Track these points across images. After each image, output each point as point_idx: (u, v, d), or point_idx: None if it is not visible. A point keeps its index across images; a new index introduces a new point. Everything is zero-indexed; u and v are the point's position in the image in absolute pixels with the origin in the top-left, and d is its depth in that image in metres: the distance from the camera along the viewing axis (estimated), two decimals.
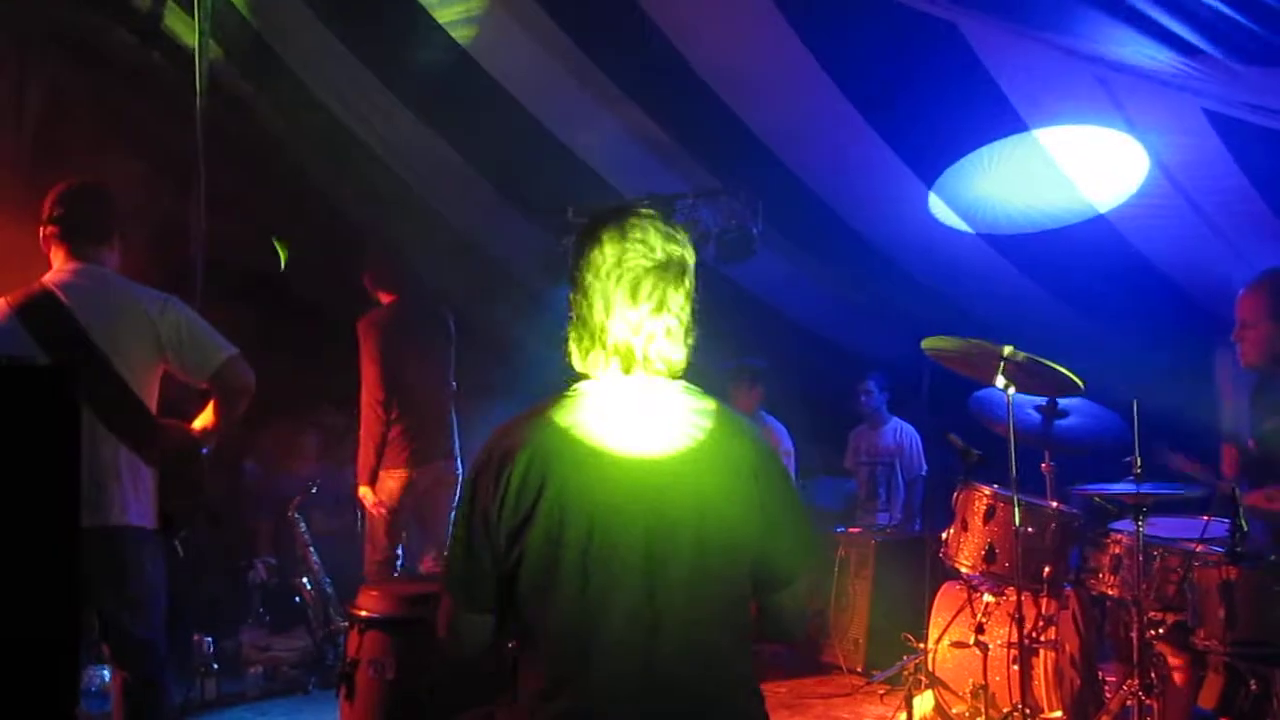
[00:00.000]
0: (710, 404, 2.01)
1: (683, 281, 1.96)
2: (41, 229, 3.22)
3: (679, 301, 1.95)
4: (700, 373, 2.03)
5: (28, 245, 3.36)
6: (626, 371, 1.95)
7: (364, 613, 2.81)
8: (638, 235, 1.93)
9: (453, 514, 4.68)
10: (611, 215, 1.98)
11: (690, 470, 1.93)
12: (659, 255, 1.93)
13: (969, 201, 5.31)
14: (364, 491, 4.70)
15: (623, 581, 1.86)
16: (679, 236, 1.98)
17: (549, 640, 1.88)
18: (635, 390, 1.97)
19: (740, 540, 1.95)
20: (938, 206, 5.39)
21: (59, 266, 3.19)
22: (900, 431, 6.29)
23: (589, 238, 1.96)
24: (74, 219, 3.19)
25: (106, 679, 3.91)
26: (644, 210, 1.98)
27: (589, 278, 1.95)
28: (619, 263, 1.93)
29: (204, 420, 3.29)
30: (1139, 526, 3.55)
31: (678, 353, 1.98)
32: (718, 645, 1.93)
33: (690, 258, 1.98)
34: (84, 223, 3.20)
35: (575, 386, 1.99)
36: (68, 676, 1.86)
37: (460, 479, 4.77)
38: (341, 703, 2.81)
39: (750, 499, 1.96)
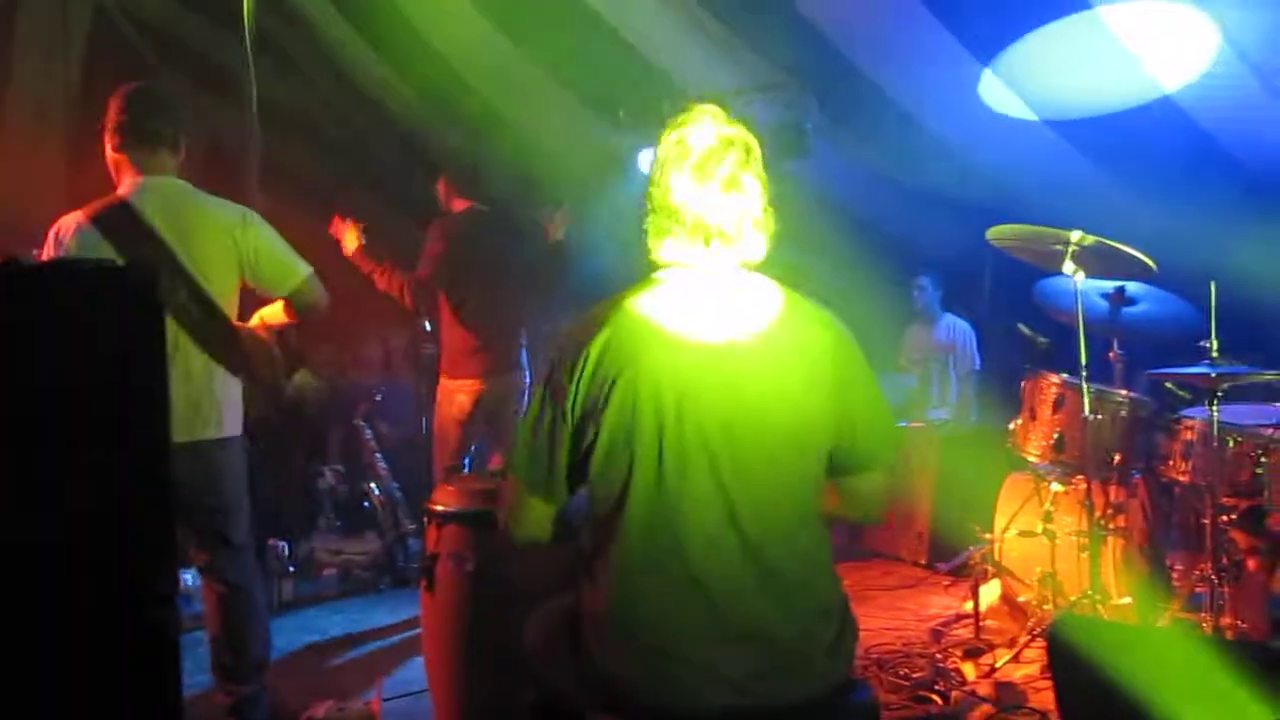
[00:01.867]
0: (787, 292, 2.02)
1: (748, 161, 1.97)
2: (107, 139, 3.18)
3: (749, 180, 1.96)
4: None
5: (81, 169, 3.37)
6: (705, 250, 1.96)
7: (441, 507, 2.86)
8: (697, 120, 1.97)
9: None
10: (676, 113, 2.01)
11: (767, 355, 1.94)
12: (722, 133, 1.96)
13: (1029, 84, 5.14)
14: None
15: (698, 465, 1.88)
16: (738, 125, 2.00)
17: (625, 526, 1.90)
18: (713, 279, 1.98)
19: (817, 425, 1.96)
20: (996, 90, 5.23)
21: (130, 179, 3.14)
22: (954, 328, 6.26)
23: (662, 134, 2.00)
24: (140, 127, 3.14)
25: (189, 583, 4.02)
26: (702, 105, 2.01)
27: (659, 164, 2.00)
28: (682, 142, 1.96)
29: (275, 316, 3.32)
30: (1213, 411, 3.50)
31: (754, 236, 1.98)
32: (795, 528, 1.95)
33: (753, 143, 1.99)
34: (151, 131, 3.14)
35: (654, 276, 2.01)
36: (165, 586, 1.91)
37: (529, 388, 4.76)
38: (423, 595, 2.88)
39: (828, 384, 1.96)
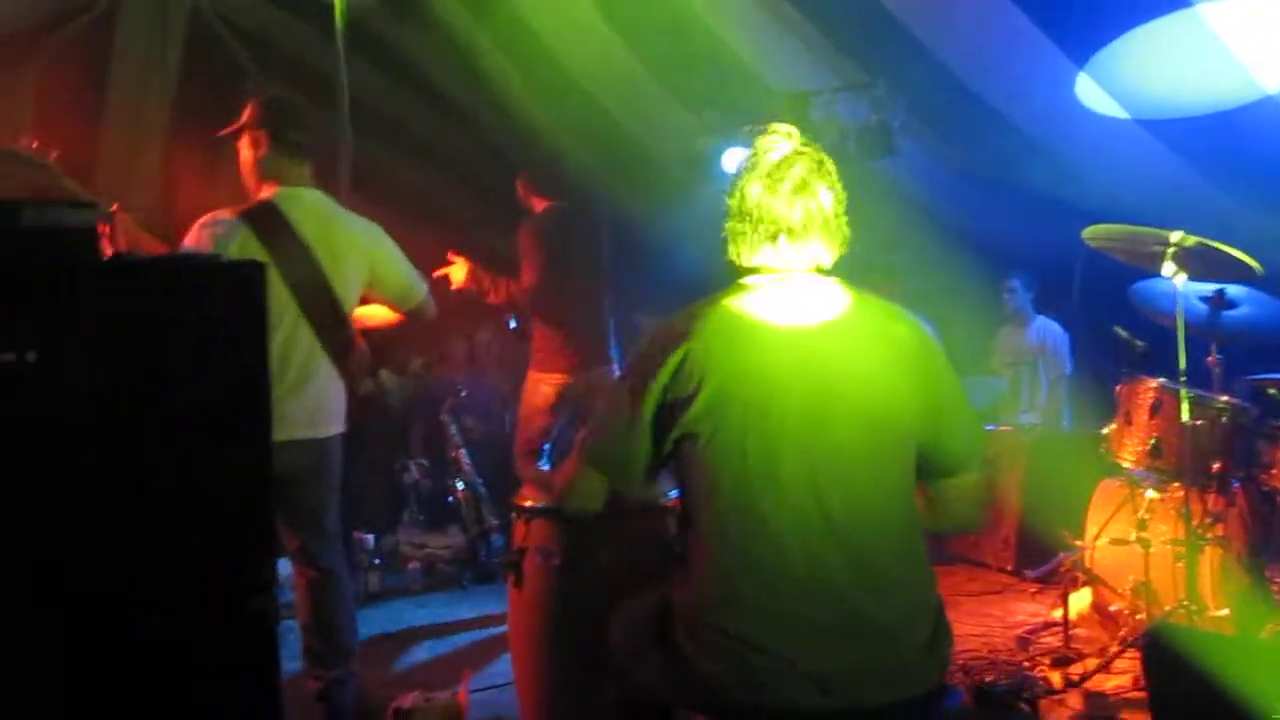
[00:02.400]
0: (871, 296, 2.07)
1: (820, 171, 2.05)
2: (245, 144, 3.25)
3: (819, 186, 2.03)
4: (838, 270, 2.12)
5: (178, 172, 3.46)
6: (775, 250, 2.04)
7: (529, 502, 2.89)
8: (773, 136, 2.08)
9: None
10: (760, 114, 2.17)
11: (853, 349, 1.97)
12: (795, 147, 2.06)
13: (1126, 84, 5.02)
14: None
15: (789, 459, 1.90)
16: (811, 144, 2.11)
17: (715, 521, 1.91)
18: (796, 284, 2.03)
19: (904, 424, 1.96)
20: (1090, 90, 5.11)
21: (272, 188, 3.22)
22: (1046, 331, 6.11)
23: (745, 134, 2.16)
24: (285, 137, 3.22)
25: (283, 573, 4.11)
26: (779, 125, 2.14)
27: (736, 175, 2.11)
28: (757, 154, 2.07)
29: (378, 316, 3.46)
30: None
31: (826, 238, 2.04)
32: (889, 524, 1.95)
33: (826, 158, 2.09)
34: (294, 142, 3.24)
35: (739, 282, 2.08)
36: (266, 575, 1.96)
37: None
38: (510, 590, 2.90)
39: (913, 384, 1.98)
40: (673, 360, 1.95)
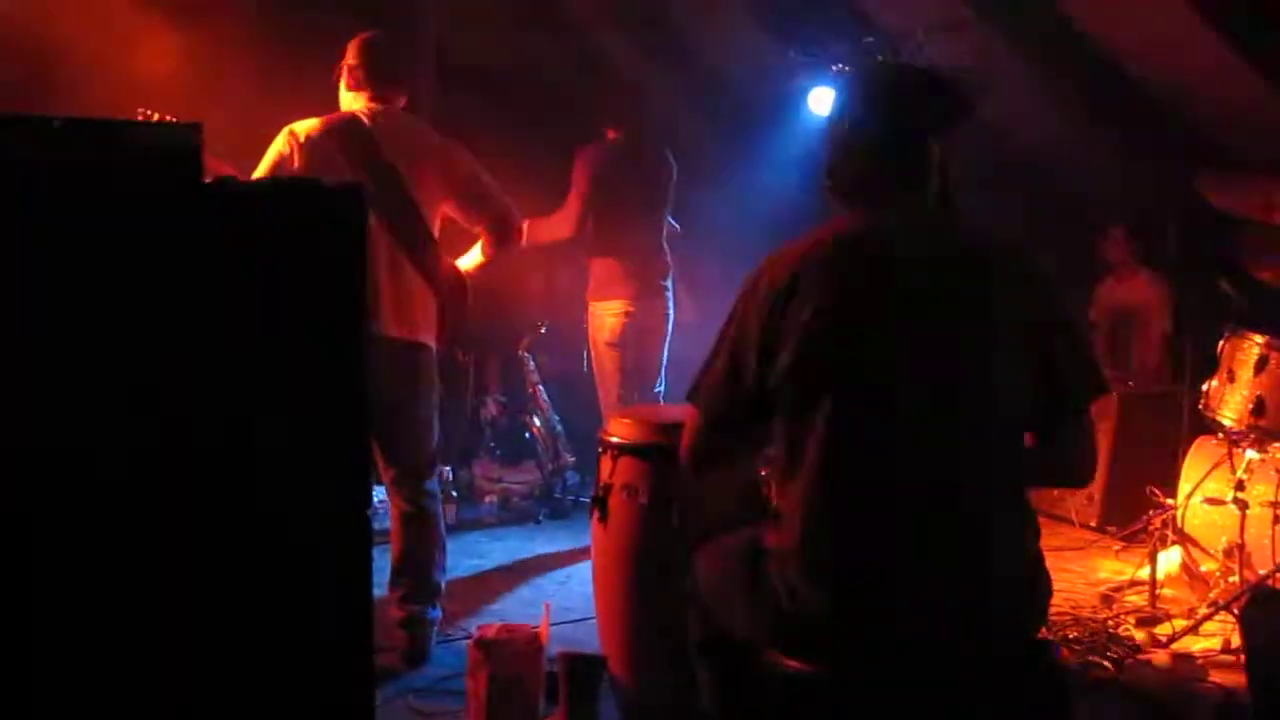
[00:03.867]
0: (984, 232, 1.99)
1: (922, 101, 1.99)
2: (344, 79, 3.40)
3: (917, 124, 1.98)
4: None
5: (268, 101, 3.52)
6: (882, 185, 1.99)
7: (616, 439, 2.87)
8: (877, 62, 2.04)
9: (664, 353, 4.78)
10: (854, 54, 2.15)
11: (964, 284, 1.90)
12: (898, 78, 2.06)
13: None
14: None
15: (898, 396, 1.84)
16: (914, 68, 2.16)
17: (819, 460, 1.86)
18: (900, 215, 1.97)
19: (1019, 359, 1.88)
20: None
21: (360, 107, 3.35)
22: (1150, 284, 5.86)
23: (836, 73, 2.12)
24: (372, 63, 3.36)
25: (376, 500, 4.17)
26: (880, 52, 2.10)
27: (838, 104, 2.09)
28: (861, 83, 2.11)
29: (472, 260, 3.49)
30: None
31: (931, 174, 1.98)
32: (1003, 465, 1.89)
33: (928, 84, 2.04)
34: (381, 65, 3.37)
35: (839, 215, 2.02)
36: (361, 496, 1.97)
37: (671, 318, 4.80)
38: (594, 525, 2.90)
39: (1027, 313, 1.90)
40: (776, 298, 1.89)
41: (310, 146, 3.19)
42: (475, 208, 3.41)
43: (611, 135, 4.78)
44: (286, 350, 1.83)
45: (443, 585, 3.44)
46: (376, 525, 4.01)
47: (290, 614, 1.84)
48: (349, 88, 3.40)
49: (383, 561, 3.37)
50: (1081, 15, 4.98)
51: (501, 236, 3.44)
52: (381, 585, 3.37)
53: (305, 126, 3.24)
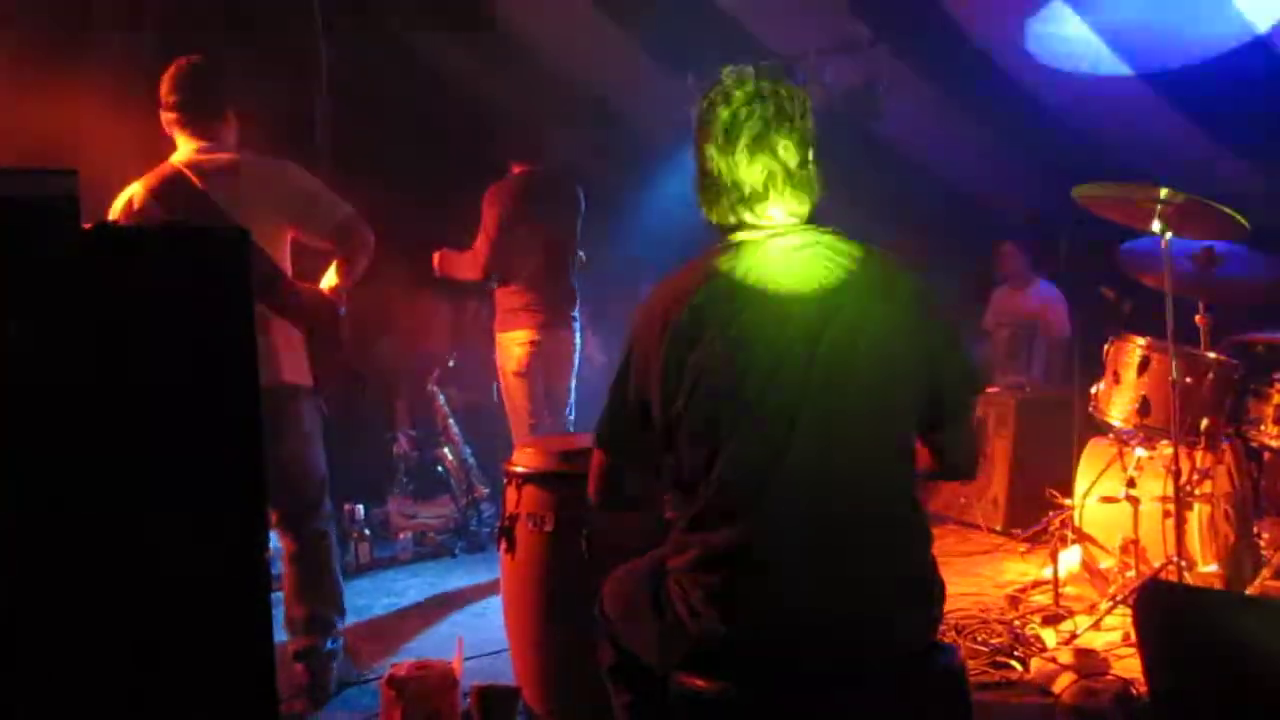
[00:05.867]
0: (861, 245, 2.01)
1: (780, 117, 1.96)
2: (162, 113, 3.32)
3: (781, 142, 1.96)
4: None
5: (154, 136, 3.47)
6: (745, 210, 1.98)
7: (520, 468, 2.88)
8: (731, 81, 1.98)
9: (572, 382, 4.81)
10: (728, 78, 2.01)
11: (852, 303, 1.92)
12: (748, 92, 1.96)
13: (1112, 27, 4.97)
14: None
15: (793, 415, 1.86)
16: (782, 83, 1.99)
17: (716, 486, 1.89)
18: (784, 238, 1.98)
19: (906, 369, 1.94)
20: (1071, 33, 5.04)
21: (183, 148, 3.30)
22: (1044, 293, 6.08)
23: (701, 98, 2.02)
24: (187, 99, 3.28)
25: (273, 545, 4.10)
26: (742, 67, 2.01)
27: (698, 129, 2.02)
28: (711, 107, 1.98)
29: (329, 281, 3.40)
30: None
31: (800, 193, 2.00)
32: (892, 479, 1.94)
33: (790, 97, 1.98)
34: (197, 101, 3.29)
35: (726, 239, 2.02)
36: (258, 536, 1.96)
37: (579, 349, 4.86)
38: (502, 555, 2.90)
39: (913, 329, 1.95)
40: (670, 329, 1.90)
41: (141, 215, 3.14)
42: (314, 223, 3.32)
43: (517, 170, 4.82)
44: (175, 394, 1.81)
45: (337, 620, 3.41)
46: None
47: (187, 658, 1.82)
48: (170, 129, 3.32)
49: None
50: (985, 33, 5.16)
51: (349, 248, 3.34)
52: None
53: (133, 193, 3.22)
